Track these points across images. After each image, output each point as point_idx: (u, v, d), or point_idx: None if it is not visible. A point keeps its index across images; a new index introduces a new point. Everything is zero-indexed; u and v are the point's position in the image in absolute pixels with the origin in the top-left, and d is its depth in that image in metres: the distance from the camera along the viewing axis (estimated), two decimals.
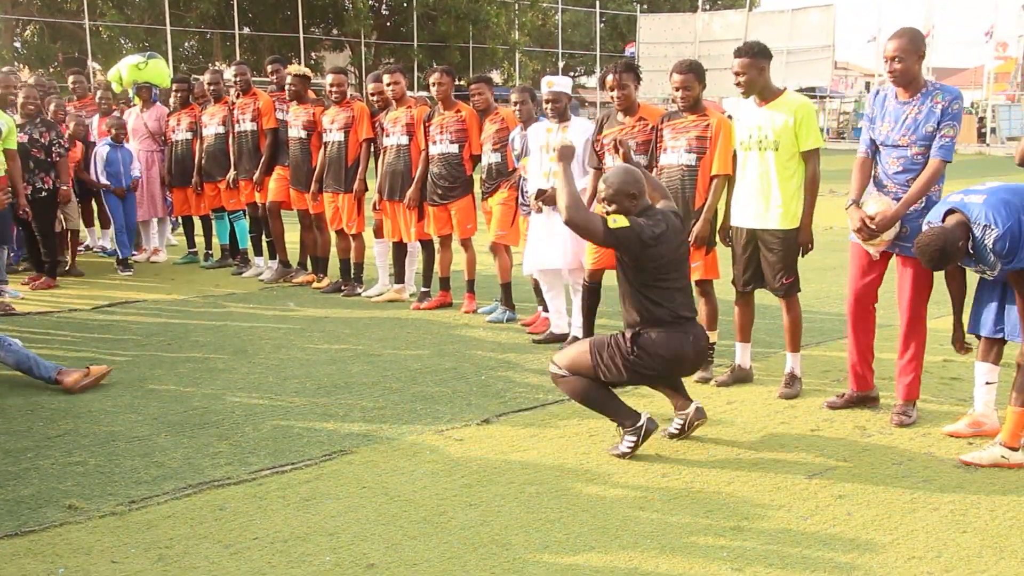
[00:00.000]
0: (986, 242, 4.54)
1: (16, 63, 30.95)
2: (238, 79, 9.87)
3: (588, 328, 6.83)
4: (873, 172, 5.42)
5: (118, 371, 6.35)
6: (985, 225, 4.54)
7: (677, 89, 6.12)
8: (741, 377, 6.21)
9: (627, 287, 4.91)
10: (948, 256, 4.62)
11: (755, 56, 5.72)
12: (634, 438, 4.85)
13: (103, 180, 10.15)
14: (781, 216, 5.78)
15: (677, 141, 6.15)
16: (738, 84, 5.78)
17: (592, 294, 6.75)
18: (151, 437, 5.18)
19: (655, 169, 6.26)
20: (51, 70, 31.63)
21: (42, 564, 3.73)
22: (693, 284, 6.12)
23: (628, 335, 4.85)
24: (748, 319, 6.19)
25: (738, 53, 5.75)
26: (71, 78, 11.60)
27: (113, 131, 10.25)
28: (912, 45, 5.13)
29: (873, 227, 5.15)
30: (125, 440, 5.13)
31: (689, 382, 5.98)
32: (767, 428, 5.34)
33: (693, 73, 6.06)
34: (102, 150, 10.21)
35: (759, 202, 5.82)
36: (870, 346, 5.62)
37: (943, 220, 4.73)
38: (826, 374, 6.35)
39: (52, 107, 10.24)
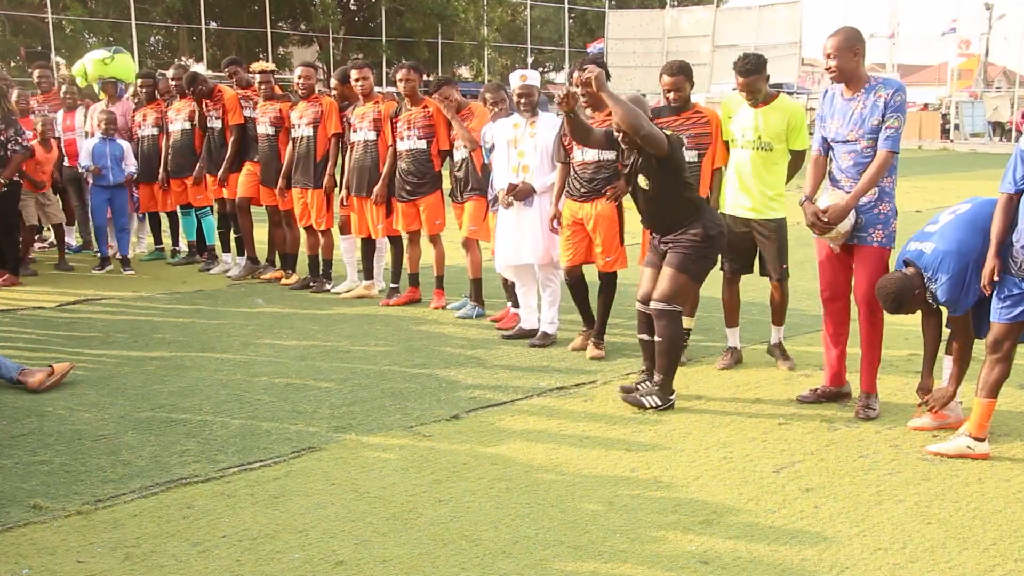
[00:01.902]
0: (932, 290, 4.89)
1: None
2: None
3: (587, 317, 6.95)
4: (828, 169, 5.57)
5: (84, 369, 6.30)
6: (930, 277, 4.88)
7: (668, 91, 6.35)
8: (738, 358, 6.57)
9: (670, 193, 5.60)
10: (903, 302, 4.98)
11: (761, 70, 6.09)
12: (659, 403, 5.54)
13: (86, 174, 9.92)
14: (775, 207, 6.22)
15: None
16: (748, 96, 6.14)
17: (578, 285, 6.85)
18: (117, 435, 5.13)
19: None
20: (12, 64, 31.24)
21: (6, 565, 3.69)
22: None
23: (695, 232, 5.57)
24: (736, 304, 6.53)
25: (746, 72, 6.05)
26: (36, 72, 11.44)
27: (103, 124, 9.92)
28: (847, 43, 5.26)
29: (825, 220, 5.27)
30: (91, 438, 5.08)
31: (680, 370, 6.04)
32: (735, 422, 5.37)
33: (683, 75, 6.32)
34: (89, 143, 9.93)
35: (753, 195, 6.21)
36: (845, 341, 5.71)
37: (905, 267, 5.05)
38: (790, 369, 6.40)
39: (15, 97, 10.08)
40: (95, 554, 3.77)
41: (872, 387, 5.50)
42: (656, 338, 5.62)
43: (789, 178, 6.35)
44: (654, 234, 5.78)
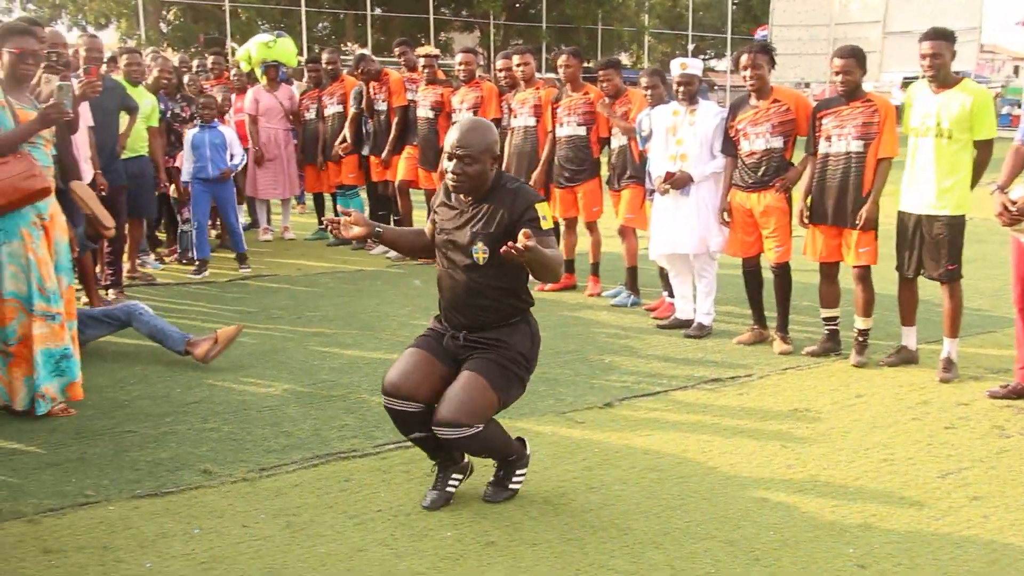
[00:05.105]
0: None
1: (162, 44, 32.15)
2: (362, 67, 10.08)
3: (758, 313, 6.82)
4: None
5: (249, 343, 6.54)
6: None
7: (837, 74, 6.11)
8: (907, 358, 6.24)
9: (508, 277, 4.01)
10: None
11: (948, 39, 5.73)
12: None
13: (185, 169, 9.08)
14: (949, 203, 5.80)
15: (843, 129, 6.11)
16: (930, 67, 5.76)
17: (755, 276, 6.75)
18: (281, 407, 5.33)
19: (816, 158, 6.29)
20: (192, 50, 32.77)
21: (179, 524, 3.88)
22: (853, 270, 6.25)
23: (519, 342, 4.07)
24: (914, 304, 6.20)
25: (931, 36, 5.74)
26: (211, 59, 11.95)
27: (204, 111, 9.05)
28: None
29: (1013, 211, 5.10)
30: (256, 409, 5.29)
31: (840, 367, 5.91)
32: (898, 423, 5.17)
33: (854, 58, 6.05)
34: (189, 134, 9.07)
35: (928, 188, 5.83)
36: None
37: None
38: (964, 370, 6.09)
39: (186, 80, 10.53)
40: (259, 520, 3.93)
41: None
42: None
43: (977, 175, 5.81)
44: (454, 328, 4.11)
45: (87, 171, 7.07)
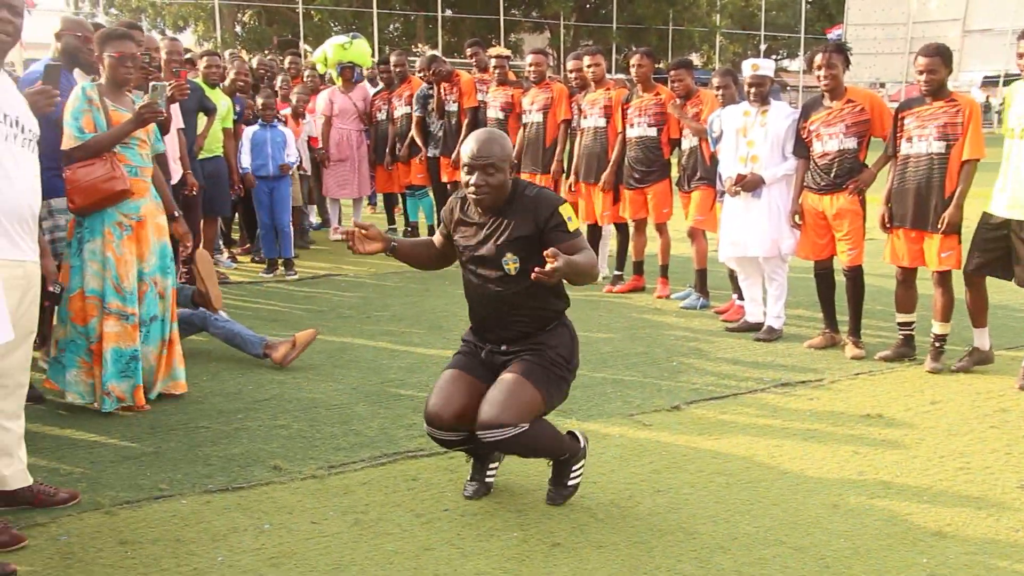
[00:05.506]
0: None
1: (237, 46, 32.76)
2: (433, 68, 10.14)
3: (830, 316, 6.70)
4: None
5: (320, 341, 6.59)
6: None
7: (921, 72, 5.93)
8: (981, 359, 6.09)
9: (543, 286, 3.77)
10: None
11: None
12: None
13: (243, 166, 9.00)
14: None
15: (924, 129, 5.95)
16: None
17: (827, 279, 6.66)
18: (350, 406, 5.39)
19: (897, 159, 6.12)
20: (265, 52, 33.35)
21: (250, 519, 3.95)
22: (934, 274, 6.06)
23: (559, 344, 4.12)
24: (982, 304, 5.99)
25: None
26: (287, 59, 12.12)
27: (265, 111, 9.09)
28: None
29: None
30: (326, 407, 5.36)
31: (914, 373, 5.81)
32: (975, 431, 5.05)
33: (940, 56, 5.88)
34: (248, 131, 9.10)
35: (1023, 192, 5.59)
36: None
37: None
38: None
39: (278, 83, 10.68)
40: (327, 517, 3.98)
41: None
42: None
43: None
44: (489, 343, 4.14)
45: (176, 170, 7.27)
